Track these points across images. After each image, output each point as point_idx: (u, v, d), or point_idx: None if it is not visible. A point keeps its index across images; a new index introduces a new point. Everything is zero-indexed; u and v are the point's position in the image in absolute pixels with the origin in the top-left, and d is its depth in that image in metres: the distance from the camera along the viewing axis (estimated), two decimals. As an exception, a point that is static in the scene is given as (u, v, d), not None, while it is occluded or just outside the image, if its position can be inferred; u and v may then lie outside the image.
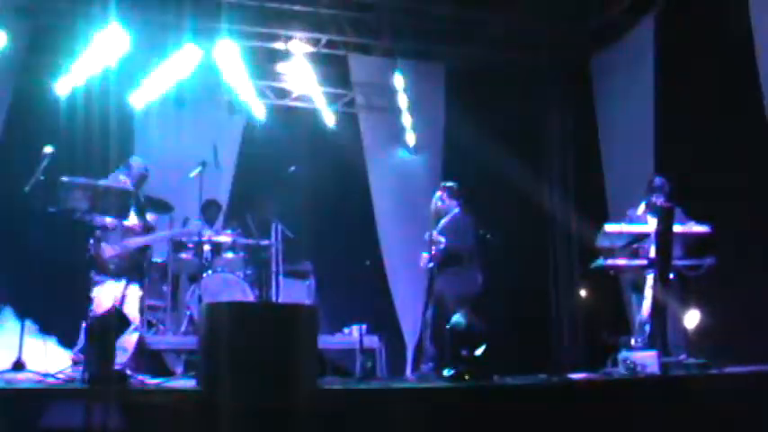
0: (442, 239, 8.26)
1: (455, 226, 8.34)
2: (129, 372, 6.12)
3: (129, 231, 7.37)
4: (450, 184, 8.74)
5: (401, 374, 9.90)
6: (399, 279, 10.72)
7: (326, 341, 8.77)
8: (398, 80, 11.13)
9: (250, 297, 8.76)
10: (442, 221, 8.52)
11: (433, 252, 8.33)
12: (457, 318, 7.63)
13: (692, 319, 7.71)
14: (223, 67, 10.38)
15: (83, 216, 6.75)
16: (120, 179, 7.48)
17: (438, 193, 8.64)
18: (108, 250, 7.20)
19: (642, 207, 8.12)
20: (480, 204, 8.53)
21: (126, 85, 10.24)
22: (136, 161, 7.76)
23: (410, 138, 11.41)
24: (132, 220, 7.38)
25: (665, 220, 7.54)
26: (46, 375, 5.98)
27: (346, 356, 8.85)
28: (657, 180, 8.16)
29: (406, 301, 10.69)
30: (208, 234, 9.18)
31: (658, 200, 7.93)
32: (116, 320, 6.08)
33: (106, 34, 9.35)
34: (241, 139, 10.98)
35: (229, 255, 9.27)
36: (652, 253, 7.64)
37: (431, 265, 8.36)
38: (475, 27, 11.15)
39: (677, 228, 7.60)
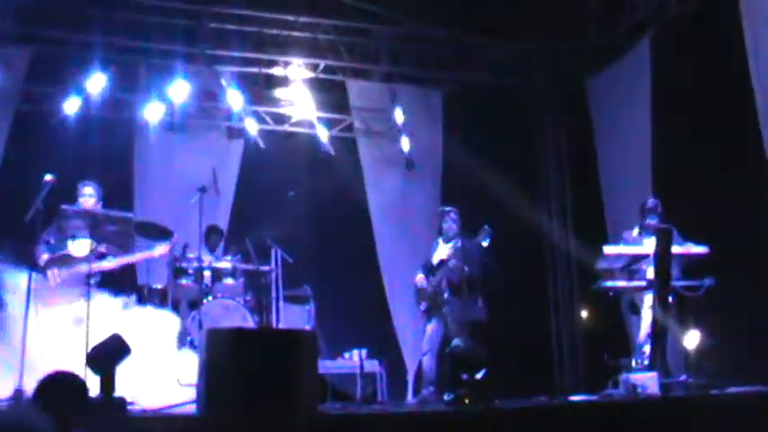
0: (463, 267, 8.33)
1: (472, 255, 8.41)
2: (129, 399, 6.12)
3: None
4: (453, 208, 8.88)
5: (402, 398, 9.90)
6: (400, 303, 10.71)
7: (327, 366, 8.79)
8: (398, 114, 11.20)
9: (250, 323, 8.76)
10: (452, 244, 8.62)
11: (447, 276, 8.44)
12: (457, 342, 7.67)
13: (692, 339, 7.72)
14: (222, 92, 10.47)
15: None
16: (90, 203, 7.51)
17: (451, 215, 8.75)
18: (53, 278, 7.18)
19: (636, 229, 8.20)
20: (478, 228, 8.56)
21: (125, 111, 10.32)
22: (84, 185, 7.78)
23: (409, 162, 11.46)
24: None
25: (664, 241, 7.58)
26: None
27: (347, 381, 8.86)
28: (650, 202, 8.25)
29: (407, 325, 10.69)
30: (208, 260, 9.21)
31: (652, 221, 8.00)
32: (116, 347, 6.10)
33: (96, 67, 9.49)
34: (240, 165, 11.02)
35: (229, 281, 9.29)
36: (650, 274, 7.68)
37: (445, 290, 8.45)
38: (473, 52, 11.27)
39: (676, 248, 7.65)
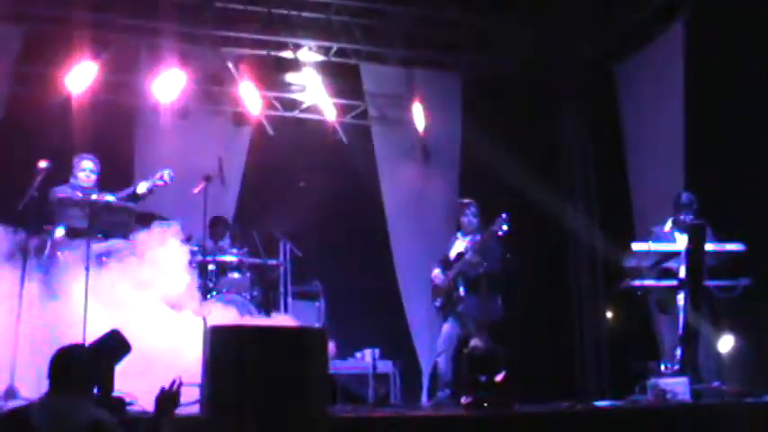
0: (482, 262, 8.26)
1: (490, 248, 8.34)
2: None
3: None
4: (472, 201, 8.81)
5: (416, 401, 9.86)
6: (414, 300, 10.65)
7: (338, 366, 8.74)
8: (415, 102, 11.11)
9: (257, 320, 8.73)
10: (470, 239, 8.55)
11: (462, 271, 8.37)
12: (475, 342, 7.61)
13: (726, 343, 7.64)
14: (229, 76, 10.41)
15: None
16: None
17: (471, 208, 8.70)
18: None
19: (669, 224, 8.09)
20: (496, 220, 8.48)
21: (127, 95, 10.28)
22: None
23: (426, 151, 11.37)
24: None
25: (697, 238, 7.50)
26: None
27: (359, 382, 8.83)
28: (685, 196, 8.14)
29: (422, 324, 10.63)
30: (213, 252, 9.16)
31: (687, 217, 7.90)
32: (116, 344, 6.07)
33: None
34: (247, 153, 10.96)
35: (235, 275, 9.23)
36: (682, 273, 7.59)
37: (460, 286, 8.39)
38: (493, 36, 11.16)
39: (709, 246, 7.55)
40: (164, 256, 7.60)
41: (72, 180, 7.94)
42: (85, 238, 7.02)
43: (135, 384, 6.07)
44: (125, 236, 7.62)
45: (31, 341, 6.56)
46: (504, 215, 8.25)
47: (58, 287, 7.02)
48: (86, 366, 4.69)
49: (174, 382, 4.81)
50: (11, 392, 6.25)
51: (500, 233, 8.24)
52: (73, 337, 6.05)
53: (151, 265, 7.48)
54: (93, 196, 7.55)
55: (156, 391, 4.79)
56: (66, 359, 4.62)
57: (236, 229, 9.81)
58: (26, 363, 6.39)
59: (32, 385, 5.99)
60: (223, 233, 9.79)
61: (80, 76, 9.71)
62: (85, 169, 7.91)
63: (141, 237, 7.57)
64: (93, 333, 6.19)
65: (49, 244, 7.36)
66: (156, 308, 7.38)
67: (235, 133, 11.07)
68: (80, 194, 7.66)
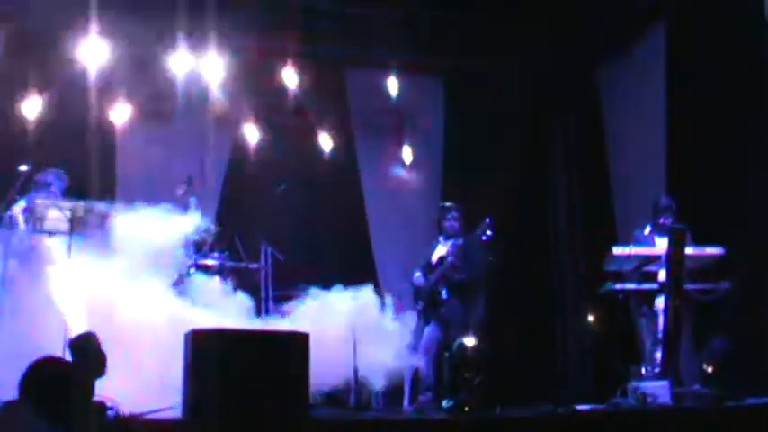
0: (464, 265, 8.34)
1: (472, 252, 8.41)
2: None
3: None
4: (454, 205, 8.88)
5: (398, 405, 9.88)
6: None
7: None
8: (393, 87, 11.15)
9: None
10: (452, 243, 8.61)
11: (445, 275, 8.43)
12: (458, 345, 7.67)
13: (705, 347, 7.72)
14: (211, 79, 10.42)
15: None
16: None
17: (453, 213, 8.76)
18: None
19: (648, 228, 8.19)
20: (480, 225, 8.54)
21: (107, 98, 10.27)
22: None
23: (408, 154, 11.44)
24: None
25: (677, 242, 7.59)
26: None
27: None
28: (664, 200, 8.27)
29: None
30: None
31: (666, 221, 8.01)
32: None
33: (86, 44, 9.41)
34: (229, 157, 10.97)
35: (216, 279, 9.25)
36: (662, 276, 7.69)
37: (442, 289, 8.46)
38: (476, 36, 11.19)
39: (689, 250, 7.65)
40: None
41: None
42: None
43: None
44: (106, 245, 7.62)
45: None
46: (487, 220, 8.32)
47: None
48: (58, 386, 4.62)
49: None
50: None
51: (484, 238, 8.31)
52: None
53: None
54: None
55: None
56: (39, 375, 4.60)
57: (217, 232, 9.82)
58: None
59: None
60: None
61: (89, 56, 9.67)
62: (49, 183, 7.90)
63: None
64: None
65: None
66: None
67: (216, 137, 11.05)
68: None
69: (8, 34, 9.84)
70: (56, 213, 7.28)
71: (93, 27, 9.34)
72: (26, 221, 7.33)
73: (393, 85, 11.19)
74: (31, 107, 9.76)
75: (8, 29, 9.82)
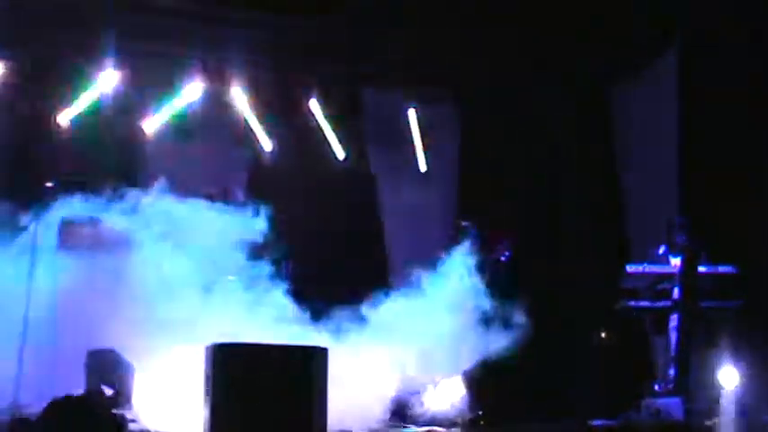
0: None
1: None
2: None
3: None
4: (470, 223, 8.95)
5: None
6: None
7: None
8: (412, 115, 11.29)
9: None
10: None
11: None
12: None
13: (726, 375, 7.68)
14: (231, 98, 10.59)
15: None
16: None
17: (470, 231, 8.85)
18: None
19: (662, 248, 8.28)
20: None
21: (132, 115, 10.45)
22: None
23: (423, 170, 11.57)
24: None
25: (691, 261, 7.68)
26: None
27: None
28: (678, 219, 8.33)
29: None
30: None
31: (680, 239, 8.08)
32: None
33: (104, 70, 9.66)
34: (249, 173, 11.12)
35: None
36: (676, 294, 7.77)
37: None
38: (490, 51, 11.25)
39: (702, 269, 7.74)
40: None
41: None
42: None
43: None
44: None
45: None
46: (504, 241, 8.40)
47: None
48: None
49: None
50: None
51: (502, 258, 8.39)
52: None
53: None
54: None
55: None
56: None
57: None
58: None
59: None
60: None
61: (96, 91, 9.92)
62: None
63: None
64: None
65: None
66: None
67: (236, 153, 11.19)
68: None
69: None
70: (78, 231, 7.43)
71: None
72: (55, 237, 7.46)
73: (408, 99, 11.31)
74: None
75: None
